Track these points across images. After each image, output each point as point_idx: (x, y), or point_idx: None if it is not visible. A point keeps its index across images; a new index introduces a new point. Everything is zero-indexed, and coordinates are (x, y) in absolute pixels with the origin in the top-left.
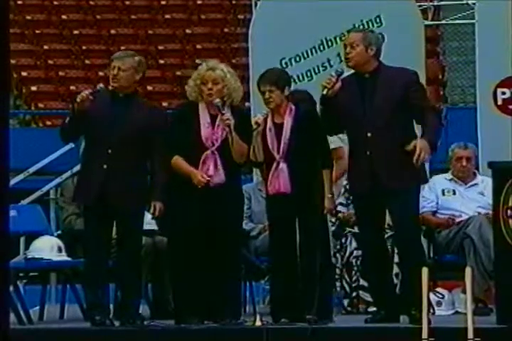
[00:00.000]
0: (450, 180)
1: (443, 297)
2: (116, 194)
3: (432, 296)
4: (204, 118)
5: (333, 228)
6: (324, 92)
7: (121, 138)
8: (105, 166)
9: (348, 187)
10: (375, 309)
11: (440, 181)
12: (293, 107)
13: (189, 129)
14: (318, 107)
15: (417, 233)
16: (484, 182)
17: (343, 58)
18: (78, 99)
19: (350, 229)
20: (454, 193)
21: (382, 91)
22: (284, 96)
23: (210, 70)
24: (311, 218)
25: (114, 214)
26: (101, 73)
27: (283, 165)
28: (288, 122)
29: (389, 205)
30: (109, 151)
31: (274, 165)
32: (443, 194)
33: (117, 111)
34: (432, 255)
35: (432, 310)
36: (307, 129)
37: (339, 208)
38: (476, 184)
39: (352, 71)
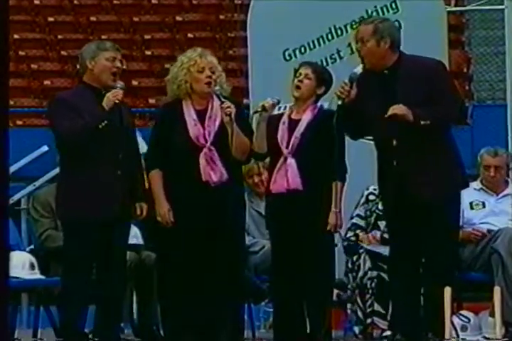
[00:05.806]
0: (479, 189)
1: (469, 321)
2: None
3: (456, 320)
4: (189, 114)
5: (345, 243)
6: (340, 103)
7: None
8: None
9: (369, 197)
10: (389, 333)
11: (468, 192)
12: (318, 106)
13: (174, 130)
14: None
15: (453, 251)
16: None
17: (354, 50)
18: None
19: (365, 246)
20: (484, 206)
21: (405, 90)
22: (315, 92)
23: (203, 57)
24: (318, 229)
25: (101, 227)
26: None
27: (291, 161)
28: (307, 117)
29: (424, 220)
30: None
31: (281, 160)
32: (471, 207)
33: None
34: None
35: (456, 336)
36: (326, 131)
37: (355, 220)
38: (508, 194)
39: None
